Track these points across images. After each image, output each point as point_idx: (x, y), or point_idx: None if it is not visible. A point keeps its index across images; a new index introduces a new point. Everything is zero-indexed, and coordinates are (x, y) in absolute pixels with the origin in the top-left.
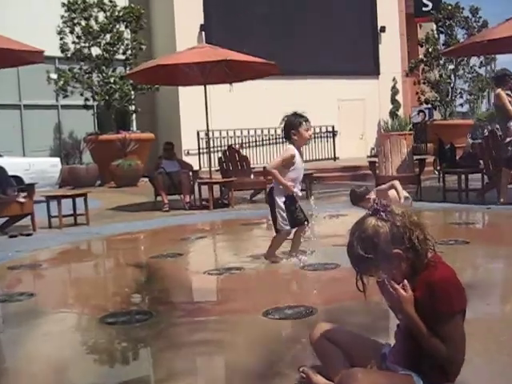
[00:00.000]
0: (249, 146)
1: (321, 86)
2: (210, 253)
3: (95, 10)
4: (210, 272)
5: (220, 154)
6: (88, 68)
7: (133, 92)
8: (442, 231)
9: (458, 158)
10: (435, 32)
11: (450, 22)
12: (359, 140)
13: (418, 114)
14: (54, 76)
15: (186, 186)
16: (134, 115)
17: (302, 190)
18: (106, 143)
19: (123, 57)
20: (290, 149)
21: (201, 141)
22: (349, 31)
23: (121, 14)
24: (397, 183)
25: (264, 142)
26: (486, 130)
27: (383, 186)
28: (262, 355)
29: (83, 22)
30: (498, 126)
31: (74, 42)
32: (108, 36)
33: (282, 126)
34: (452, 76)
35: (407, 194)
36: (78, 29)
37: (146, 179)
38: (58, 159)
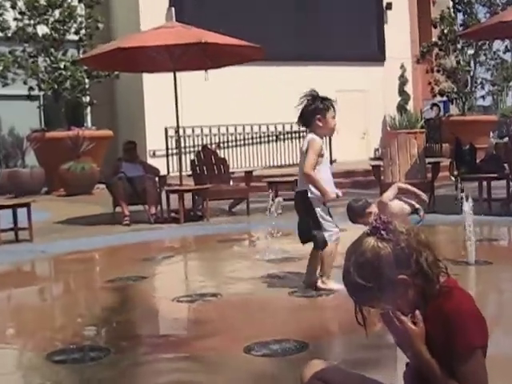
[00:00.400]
0: (228, 146)
1: (314, 74)
2: (181, 276)
3: None
4: (180, 299)
5: (193, 156)
6: (33, 51)
7: (87, 80)
8: (459, 249)
9: (478, 161)
10: (452, 10)
11: None
12: (360, 140)
13: (431, 108)
14: None
15: (151, 195)
16: (88, 108)
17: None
18: (54, 142)
19: (76, 37)
20: (316, 139)
21: (170, 139)
22: (348, 8)
23: None
24: (403, 185)
25: (246, 142)
26: None
27: (386, 195)
28: None
29: None
30: None
31: (15, 19)
32: (57, 12)
33: (303, 108)
34: (472, 63)
35: (418, 205)
36: (20, 3)
37: (103, 186)
38: None
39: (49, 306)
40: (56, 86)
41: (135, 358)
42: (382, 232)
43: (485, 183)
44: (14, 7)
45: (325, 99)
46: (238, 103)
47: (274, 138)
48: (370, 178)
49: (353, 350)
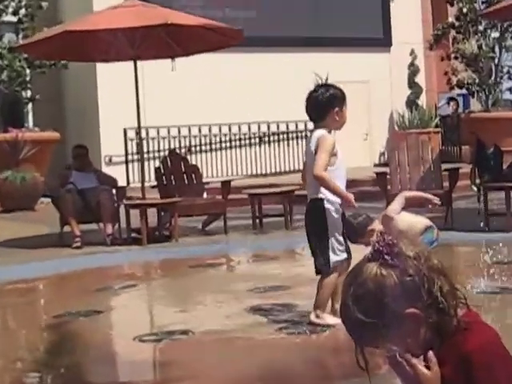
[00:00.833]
0: (200, 151)
1: (306, 62)
2: (143, 309)
3: None
4: (143, 338)
5: (158, 163)
6: None
7: (28, 71)
8: (482, 274)
9: (505, 166)
10: None
11: None
12: (362, 141)
13: (448, 103)
14: None
15: (107, 211)
16: (29, 105)
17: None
18: None
19: (14, 18)
20: (328, 136)
21: (129, 143)
22: None
23: None
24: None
25: (223, 145)
26: None
27: (391, 208)
28: None
29: None
30: None
31: None
32: None
33: (316, 97)
34: (496, 48)
35: (430, 223)
36: None
37: (48, 200)
38: None
39: None
40: None
41: None
42: (386, 257)
43: None
44: None
45: (336, 87)
46: (212, 99)
47: (257, 140)
48: (374, 188)
49: None
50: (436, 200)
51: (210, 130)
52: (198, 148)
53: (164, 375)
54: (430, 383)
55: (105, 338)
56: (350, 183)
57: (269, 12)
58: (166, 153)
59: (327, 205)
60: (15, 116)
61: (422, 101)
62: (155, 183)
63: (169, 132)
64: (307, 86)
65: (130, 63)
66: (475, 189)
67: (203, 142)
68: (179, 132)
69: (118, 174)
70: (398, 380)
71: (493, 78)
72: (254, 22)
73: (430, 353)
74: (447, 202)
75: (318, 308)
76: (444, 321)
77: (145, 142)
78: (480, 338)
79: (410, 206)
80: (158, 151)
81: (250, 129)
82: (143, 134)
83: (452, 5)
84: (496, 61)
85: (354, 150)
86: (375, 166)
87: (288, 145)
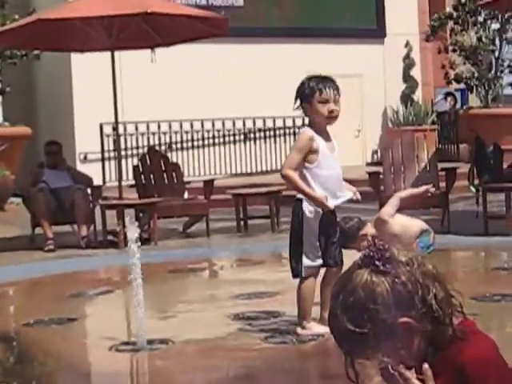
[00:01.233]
0: (182, 148)
1: (294, 53)
2: (120, 317)
3: None
4: (120, 347)
5: (136, 161)
6: None
7: None
8: (480, 281)
9: (505, 166)
10: None
11: None
12: (354, 139)
13: (446, 98)
14: None
15: (81, 211)
16: None
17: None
18: None
19: None
20: (305, 132)
21: (106, 139)
22: None
23: None
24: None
25: (206, 142)
26: None
27: (384, 210)
28: None
29: None
30: None
31: None
32: None
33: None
34: (497, 40)
35: (426, 226)
36: None
37: (19, 200)
38: None
39: None
40: None
41: None
42: (377, 262)
43: None
44: None
45: (317, 79)
46: (194, 92)
47: (242, 137)
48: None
49: None
50: (430, 188)
51: (191, 126)
52: (178, 145)
53: None
54: None
55: (79, 347)
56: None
57: (256, 1)
58: (145, 150)
59: (305, 207)
60: None
61: (418, 96)
62: (133, 182)
63: (148, 128)
64: (295, 80)
65: (107, 54)
66: (473, 190)
67: (184, 138)
68: (159, 128)
69: (93, 172)
70: None
71: (493, 71)
72: (240, 11)
73: (426, 366)
74: (444, 204)
75: (303, 319)
76: (439, 330)
77: (122, 139)
78: (476, 348)
79: (405, 207)
80: (137, 148)
81: (234, 125)
82: (120, 130)
83: None
84: (496, 54)
85: (345, 147)
86: (367, 164)
87: (275, 142)
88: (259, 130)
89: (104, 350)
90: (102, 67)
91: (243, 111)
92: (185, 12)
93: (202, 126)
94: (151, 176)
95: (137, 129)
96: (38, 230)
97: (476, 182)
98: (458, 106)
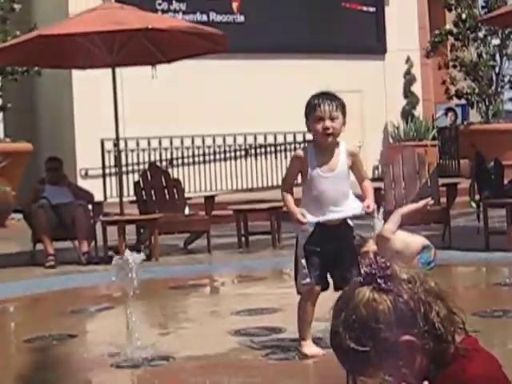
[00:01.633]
0: (183, 164)
1: (295, 70)
2: (121, 333)
3: None
4: (120, 364)
5: (137, 177)
6: None
7: None
8: (482, 296)
9: (506, 182)
10: None
11: None
12: None
13: (446, 114)
14: None
15: (82, 227)
16: (0, 114)
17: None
18: None
19: None
20: (296, 153)
21: (107, 155)
22: None
23: None
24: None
25: (207, 158)
26: None
27: (386, 227)
28: None
29: None
30: None
31: None
32: None
33: None
34: (497, 56)
35: (427, 242)
36: None
37: (20, 216)
38: None
39: None
40: None
41: None
42: (379, 280)
43: None
44: None
45: (315, 97)
46: (195, 108)
47: (243, 153)
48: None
49: None
50: (429, 201)
51: (192, 142)
52: (179, 161)
53: None
54: None
55: (79, 364)
56: None
57: (257, 17)
58: (146, 166)
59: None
60: None
61: (419, 111)
62: (134, 198)
63: (149, 144)
64: (296, 96)
65: (108, 70)
66: (474, 205)
67: (185, 154)
68: (160, 144)
69: (94, 188)
70: None
71: (493, 87)
72: (241, 27)
73: (426, 383)
74: (445, 220)
75: (300, 337)
76: (441, 348)
77: (123, 154)
78: (479, 365)
79: (406, 223)
80: (138, 164)
81: (235, 140)
82: (122, 146)
83: (450, 10)
84: (497, 69)
85: None
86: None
87: (276, 158)
88: (260, 146)
89: (104, 366)
90: (103, 83)
91: (244, 127)
92: (185, 28)
93: (203, 141)
94: (152, 192)
95: (138, 145)
96: (39, 246)
97: (477, 197)
98: (459, 121)
